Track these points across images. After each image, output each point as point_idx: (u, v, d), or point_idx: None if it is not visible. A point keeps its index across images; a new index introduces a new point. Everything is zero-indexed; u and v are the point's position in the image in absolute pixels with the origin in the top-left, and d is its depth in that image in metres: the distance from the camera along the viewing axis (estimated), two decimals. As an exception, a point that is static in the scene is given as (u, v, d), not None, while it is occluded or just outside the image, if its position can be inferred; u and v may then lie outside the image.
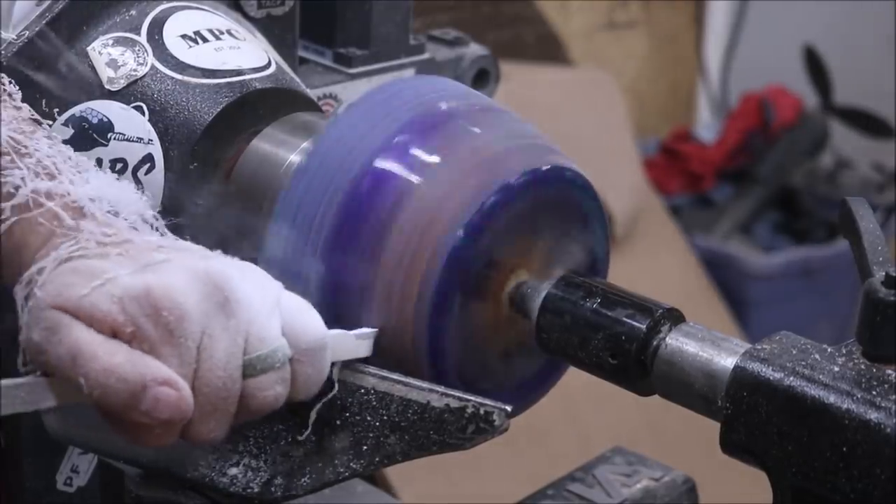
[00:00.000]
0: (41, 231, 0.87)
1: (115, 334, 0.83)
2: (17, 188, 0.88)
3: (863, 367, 0.87)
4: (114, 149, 1.04)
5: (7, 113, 0.94)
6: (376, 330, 0.96)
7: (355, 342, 0.95)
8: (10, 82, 0.99)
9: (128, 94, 1.05)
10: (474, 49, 1.32)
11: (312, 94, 1.14)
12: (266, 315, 0.87)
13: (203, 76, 1.05)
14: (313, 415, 0.93)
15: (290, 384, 0.88)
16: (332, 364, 0.92)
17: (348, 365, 0.94)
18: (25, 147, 0.91)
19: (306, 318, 0.89)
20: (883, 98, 3.39)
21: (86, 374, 0.81)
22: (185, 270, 0.85)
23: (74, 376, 0.82)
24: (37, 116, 0.97)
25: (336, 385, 0.93)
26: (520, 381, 1.04)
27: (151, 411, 0.82)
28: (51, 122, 1.03)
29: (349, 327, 0.95)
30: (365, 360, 0.95)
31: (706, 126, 3.74)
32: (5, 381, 0.83)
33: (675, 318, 0.96)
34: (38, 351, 0.83)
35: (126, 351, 0.82)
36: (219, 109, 1.04)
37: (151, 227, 0.92)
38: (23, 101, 0.99)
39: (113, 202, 0.90)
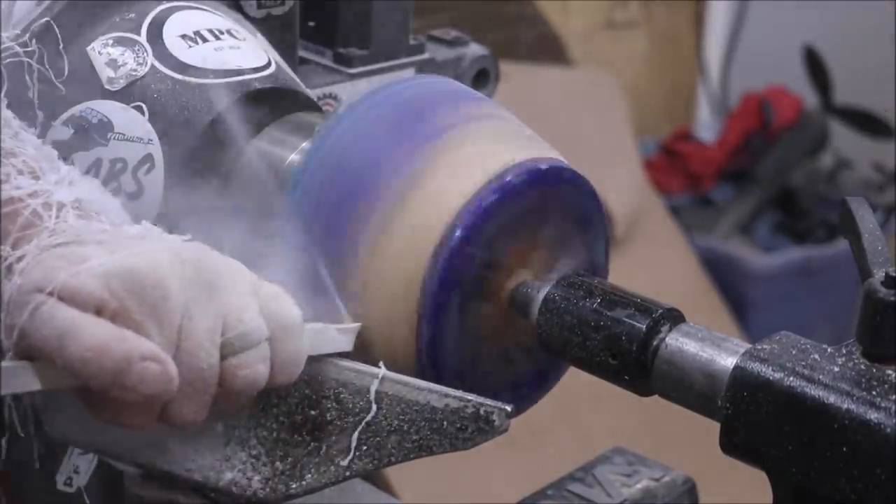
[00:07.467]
0: (20, 222, 0.87)
1: (99, 313, 0.83)
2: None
3: (863, 367, 0.87)
4: (114, 149, 1.04)
5: None
6: (359, 325, 0.96)
7: (336, 335, 0.95)
8: None
9: (128, 94, 1.05)
10: (474, 49, 1.32)
11: (312, 94, 1.14)
12: (244, 297, 0.88)
13: (203, 76, 1.05)
14: (354, 439, 0.93)
15: (270, 364, 0.89)
16: (319, 360, 0.93)
17: (349, 366, 0.94)
18: (11, 148, 0.91)
19: (283, 301, 0.90)
20: (883, 98, 3.39)
21: (72, 351, 0.82)
22: (168, 252, 0.86)
23: (59, 357, 0.82)
24: (21, 123, 0.97)
25: (374, 406, 0.93)
26: (520, 381, 1.04)
27: (137, 386, 0.82)
28: (34, 119, 1.03)
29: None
30: (350, 356, 0.95)
31: (706, 126, 3.74)
32: None
33: (674, 318, 0.96)
34: (21, 336, 0.83)
35: (111, 328, 0.83)
36: (219, 109, 1.04)
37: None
38: (22, 100, 0.99)
39: (96, 206, 0.91)
